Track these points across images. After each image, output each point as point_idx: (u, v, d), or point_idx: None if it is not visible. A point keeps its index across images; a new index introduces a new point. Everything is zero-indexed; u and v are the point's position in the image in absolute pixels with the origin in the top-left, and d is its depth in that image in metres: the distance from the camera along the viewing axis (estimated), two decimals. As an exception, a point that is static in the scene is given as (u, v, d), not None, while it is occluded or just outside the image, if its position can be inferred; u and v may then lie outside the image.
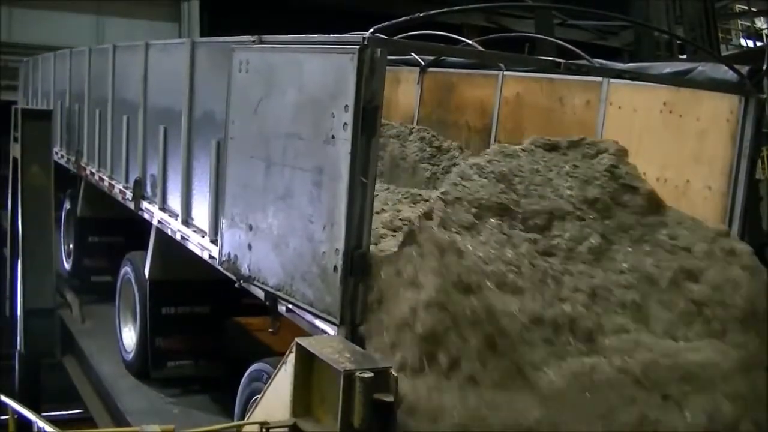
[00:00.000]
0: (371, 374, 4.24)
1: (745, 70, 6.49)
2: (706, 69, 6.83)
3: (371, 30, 5.07)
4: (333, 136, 5.19)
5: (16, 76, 17.14)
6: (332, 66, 5.25)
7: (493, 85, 9.05)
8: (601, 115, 7.62)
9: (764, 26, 30.13)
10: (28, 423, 6.08)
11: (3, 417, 7.24)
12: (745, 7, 27.61)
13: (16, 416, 6.54)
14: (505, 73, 8.92)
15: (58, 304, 12.39)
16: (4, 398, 7.20)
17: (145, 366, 9.13)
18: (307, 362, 4.66)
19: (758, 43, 28.15)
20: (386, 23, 5.16)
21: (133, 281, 9.57)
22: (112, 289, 10.49)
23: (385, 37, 5.26)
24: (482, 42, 9.25)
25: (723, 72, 6.65)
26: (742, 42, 28.56)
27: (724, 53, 6.71)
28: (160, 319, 9.00)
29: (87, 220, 12.97)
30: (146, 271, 9.12)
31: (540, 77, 8.40)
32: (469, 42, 9.20)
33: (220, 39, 7.37)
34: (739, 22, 29.44)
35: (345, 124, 5.08)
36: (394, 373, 4.38)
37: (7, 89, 14.93)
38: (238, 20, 6.85)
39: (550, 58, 6.95)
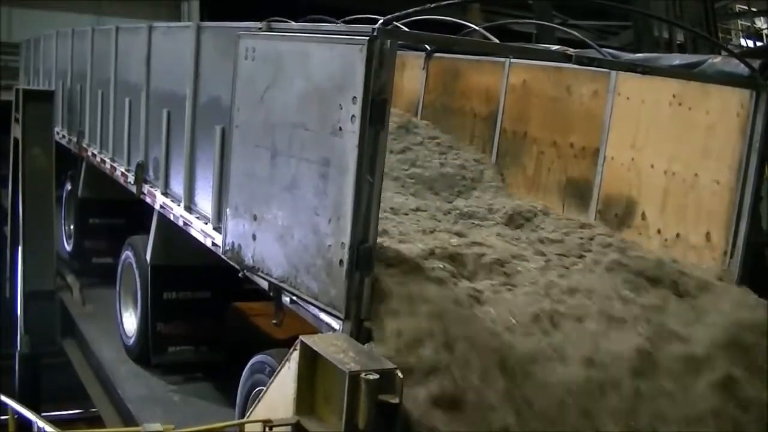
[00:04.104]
0: (377, 375, 4.19)
1: (756, 63, 6.41)
2: (717, 62, 6.76)
3: (380, 21, 4.99)
4: (340, 128, 5.11)
5: (16, 76, 17.19)
6: (341, 57, 5.17)
7: (499, 72, 8.96)
8: (609, 106, 7.54)
9: (764, 26, 30.03)
10: (28, 423, 6.07)
11: (3, 417, 7.23)
12: (745, 7, 27.48)
13: (16, 416, 6.52)
14: (512, 60, 8.83)
15: (59, 287, 12.36)
16: (4, 398, 7.20)
17: (146, 351, 9.11)
18: (311, 360, 4.60)
19: (758, 43, 28.06)
20: (396, 14, 5.08)
21: (134, 265, 9.53)
22: (112, 271, 10.47)
23: (398, 24, 5.19)
24: (489, 29, 9.16)
25: (734, 65, 6.58)
26: (742, 42, 28.40)
27: (723, 54, 6.65)
28: (161, 304, 8.98)
29: (88, 201, 12.92)
30: (148, 256, 9.08)
31: (547, 66, 8.30)
32: (476, 28, 9.11)
33: (226, 24, 7.30)
34: (739, 22, 29.32)
35: (353, 116, 5.00)
36: (399, 374, 4.33)
37: (7, 89, 14.90)
38: (238, 21, 6.79)
39: (561, 47, 6.88)
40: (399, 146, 8.67)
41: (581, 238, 6.83)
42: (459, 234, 6.64)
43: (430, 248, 5.92)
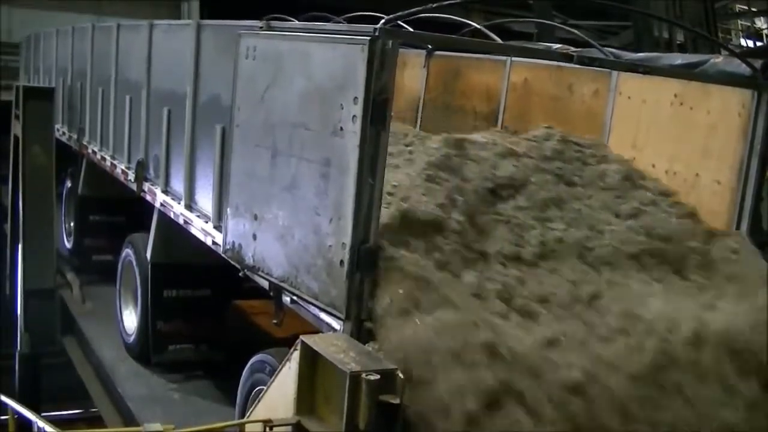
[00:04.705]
0: (377, 376, 4.18)
1: (758, 63, 6.41)
2: (719, 62, 6.75)
3: (382, 21, 4.98)
4: (341, 128, 5.09)
5: (16, 76, 17.21)
6: (342, 56, 5.15)
7: (500, 70, 8.94)
8: (610, 106, 7.53)
9: (764, 26, 30.00)
10: (28, 423, 6.06)
11: (3, 417, 7.22)
12: (745, 7, 27.44)
13: (16, 416, 6.52)
14: (513, 59, 8.81)
15: (59, 284, 12.34)
16: (4, 398, 7.20)
17: (146, 350, 9.11)
18: (312, 360, 4.59)
19: (758, 43, 28.02)
20: (397, 14, 5.07)
21: (134, 263, 9.53)
22: (112, 268, 10.46)
23: (401, 23, 5.17)
24: (489, 28, 9.15)
25: (735, 65, 6.57)
26: (742, 42, 28.36)
27: (724, 54, 6.63)
28: (161, 303, 8.97)
29: (88, 198, 12.91)
30: (148, 254, 9.07)
31: (548, 64, 8.29)
32: (477, 26, 9.10)
33: (227, 22, 7.28)
34: (739, 22, 29.29)
35: (354, 116, 4.99)
36: (400, 374, 4.32)
37: (7, 89, 14.95)
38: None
39: (562, 46, 6.87)
40: (627, 207, 6.56)
41: None
42: None
43: None
